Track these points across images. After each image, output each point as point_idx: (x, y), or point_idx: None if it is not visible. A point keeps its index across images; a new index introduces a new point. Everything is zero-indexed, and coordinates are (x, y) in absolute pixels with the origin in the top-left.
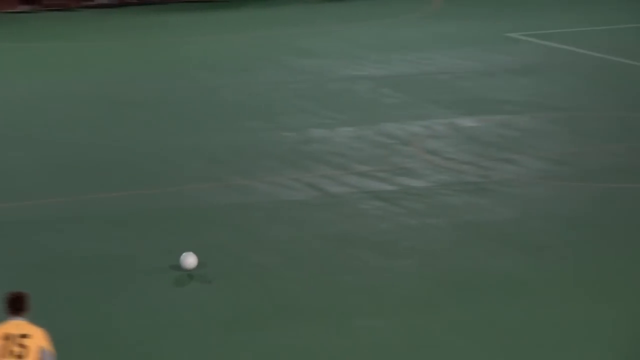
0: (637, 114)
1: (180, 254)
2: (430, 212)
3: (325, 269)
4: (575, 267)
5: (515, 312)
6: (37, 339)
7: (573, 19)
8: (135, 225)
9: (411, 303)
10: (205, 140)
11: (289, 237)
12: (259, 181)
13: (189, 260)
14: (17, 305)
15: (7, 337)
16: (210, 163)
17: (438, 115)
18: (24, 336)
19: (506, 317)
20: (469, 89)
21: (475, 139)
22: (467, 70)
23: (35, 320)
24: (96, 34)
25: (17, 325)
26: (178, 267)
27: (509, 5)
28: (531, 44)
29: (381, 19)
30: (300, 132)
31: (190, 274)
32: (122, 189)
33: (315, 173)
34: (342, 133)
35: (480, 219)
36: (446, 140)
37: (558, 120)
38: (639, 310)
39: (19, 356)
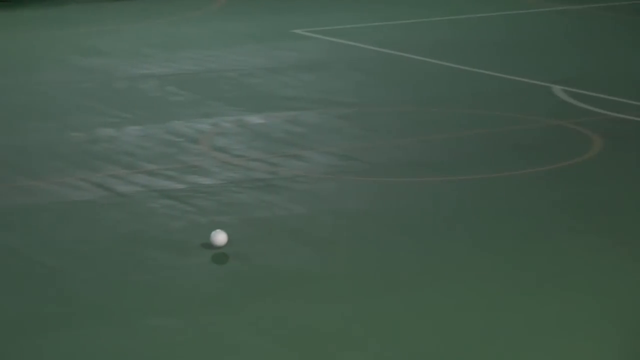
0: (424, 107)
1: None
2: (220, 209)
3: (117, 268)
4: (364, 261)
5: (309, 308)
6: None
7: (358, 15)
8: None
9: (204, 301)
10: None
11: (79, 237)
12: (47, 182)
13: (219, 237)
14: None
15: None
16: None
17: (225, 113)
18: None
19: (300, 313)
20: (255, 85)
21: (263, 135)
22: (254, 67)
23: None
24: None
25: None
26: None
27: (294, 2)
28: (317, 40)
29: (167, 17)
30: (87, 131)
31: None
32: None
33: (104, 173)
34: (130, 132)
35: (271, 216)
36: (234, 137)
37: (346, 116)
38: (428, 301)
39: None
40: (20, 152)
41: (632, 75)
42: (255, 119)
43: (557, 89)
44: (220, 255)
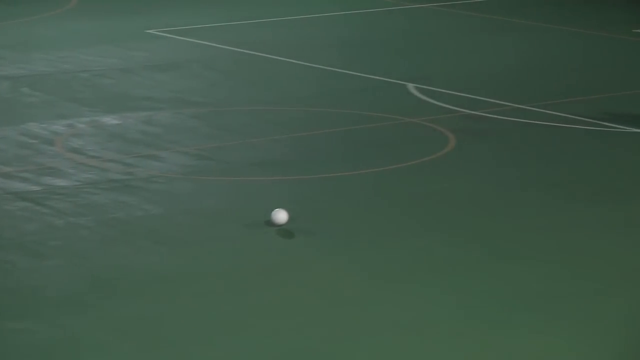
0: (278, 106)
1: None
2: (77, 211)
3: None
4: (220, 260)
5: (166, 307)
6: None
7: (211, 14)
8: None
9: (60, 302)
10: None
11: None
12: None
13: (280, 216)
14: None
15: None
16: None
17: (80, 114)
18: None
19: (158, 312)
20: (109, 86)
21: (118, 136)
22: (107, 67)
23: None
24: None
25: None
26: None
27: (148, 2)
28: (171, 39)
29: (19, 18)
30: None
31: None
32: None
33: None
34: None
35: (129, 217)
36: (89, 138)
37: (200, 116)
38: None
39: None
40: None
41: (483, 73)
42: (110, 120)
43: (412, 87)
44: (76, 257)
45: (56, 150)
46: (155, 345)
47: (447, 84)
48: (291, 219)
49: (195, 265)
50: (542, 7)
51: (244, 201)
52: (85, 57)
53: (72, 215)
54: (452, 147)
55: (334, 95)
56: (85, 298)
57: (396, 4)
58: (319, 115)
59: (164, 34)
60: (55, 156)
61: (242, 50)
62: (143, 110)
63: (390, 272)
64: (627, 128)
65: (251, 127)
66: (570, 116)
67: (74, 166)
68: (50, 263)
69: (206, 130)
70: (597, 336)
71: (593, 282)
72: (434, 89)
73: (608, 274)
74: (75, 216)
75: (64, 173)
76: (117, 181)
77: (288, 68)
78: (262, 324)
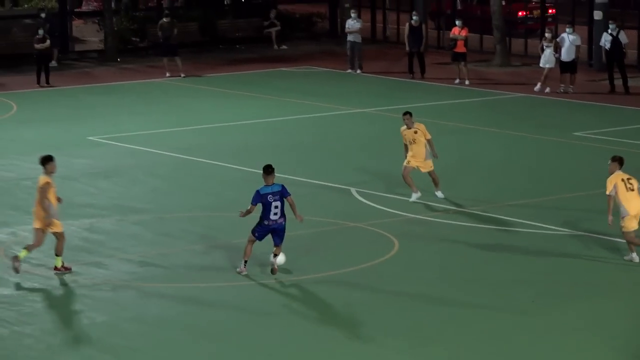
0: (217, 213)
1: None
2: (21, 320)
3: None
4: None
5: None
6: None
7: (152, 121)
8: None
9: None
10: None
11: None
12: None
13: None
14: None
15: None
16: None
17: (23, 222)
18: None
19: None
20: None
21: None
22: None
23: None
24: None
25: None
26: None
27: (87, 109)
28: (111, 146)
29: None
30: None
31: None
32: None
33: None
34: None
35: (73, 325)
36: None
37: (143, 222)
38: None
39: None
40: None
41: (425, 175)
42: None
43: (354, 191)
44: None
45: None
46: None
47: (389, 187)
48: (232, 325)
49: None
50: (482, 110)
51: (188, 307)
52: (27, 164)
53: (16, 324)
54: (395, 251)
55: None
56: None
57: (336, 109)
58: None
59: (105, 141)
60: None
61: (181, 156)
62: (86, 217)
63: None
64: (568, 230)
65: (193, 233)
66: (511, 219)
67: (18, 274)
68: None
69: (149, 237)
70: None
71: None
72: (376, 193)
73: None
74: (20, 325)
75: (7, 281)
76: (61, 289)
77: (228, 173)
78: None
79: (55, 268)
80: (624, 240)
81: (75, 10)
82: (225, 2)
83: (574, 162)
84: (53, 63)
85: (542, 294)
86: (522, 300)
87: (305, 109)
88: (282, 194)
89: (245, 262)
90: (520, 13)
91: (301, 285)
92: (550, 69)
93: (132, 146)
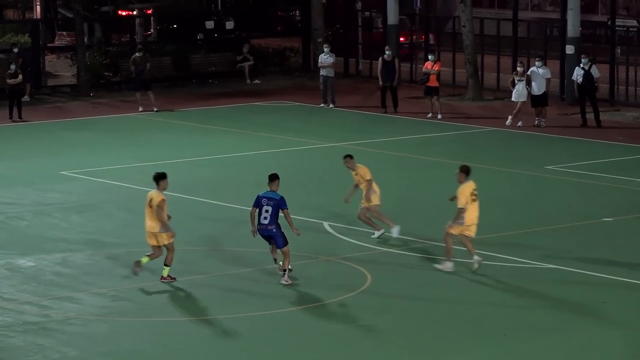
0: (191, 247)
1: None
2: None
3: None
4: None
5: None
6: None
7: (122, 155)
8: None
9: None
10: None
11: None
12: None
13: None
14: None
15: None
16: None
17: None
18: None
19: None
20: (24, 228)
21: (33, 278)
22: (22, 209)
23: None
24: None
25: None
26: None
27: (60, 144)
28: (84, 180)
29: None
30: None
31: None
32: None
33: None
34: None
35: (45, 359)
36: (4, 281)
37: (115, 257)
38: None
39: None
40: None
41: (398, 209)
42: (24, 262)
43: (327, 225)
44: None
45: None
46: None
47: (358, 221)
48: (205, 358)
49: None
50: (454, 144)
51: (161, 342)
52: None
53: None
54: (368, 284)
55: (249, 235)
56: None
57: (309, 143)
58: (233, 254)
59: (78, 175)
60: None
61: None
62: (58, 252)
63: None
64: (539, 264)
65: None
66: (483, 252)
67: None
68: None
69: (122, 271)
70: None
71: None
72: (349, 227)
73: None
74: None
75: None
76: (33, 324)
77: (201, 207)
78: None
79: (162, 278)
80: (465, 248)
81: (48, 44)
82: (198, 37)
83: (546, 196)
84: (26, 98)
85: (513, 327)
86: (494, 333)
87: (278, 143)
88: (279, 204)
89: (275, 259)
90: (401, 39)
91: (274, 318)
92: (523, 103)
93: (105, 180)
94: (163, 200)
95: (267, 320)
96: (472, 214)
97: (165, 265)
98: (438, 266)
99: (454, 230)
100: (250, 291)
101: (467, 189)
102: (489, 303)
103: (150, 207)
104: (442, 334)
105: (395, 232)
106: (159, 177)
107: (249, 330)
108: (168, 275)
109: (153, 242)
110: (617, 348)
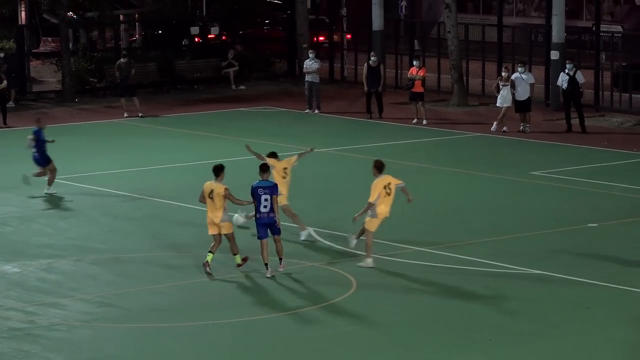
0: (175, 253)
1: None
2: None
3: None
4: None
5: None
6: None
7: (108, 161)
8: None
9: None
10: None
11: None
12: None
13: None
14: None
15: None
16: None
17: None
18: None
19: None
20: (8, 234)
21: (18, 284)
22: (6, 215)
23: None
24: None
25: None
26: None
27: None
28: (70, 186)
29: None
30: None
31: None
32: None
33: None
34: None
35: None
36: None
37: (100, 262)
38: None
39: None
40: None
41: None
42: (9, 268)
43: (312, 231)
44: None
45: None
46: None
47: (347, 227)
48: None
49: None
50: (439, 149)
51: (145, 347)
52: None
53: None
54: (353, 290)
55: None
56: None
57: (294, 149)
58: (217, 261)
59: (63, 181)
60: None
61: (139, 196)
62: (43, 258)
63: None
64: (525, 269)
65: (151, 273)
66: (469, 258)
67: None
68: None
69: (107, 277)
70: None
71: None
72: (334, 232)
73: None
74: None
75: None
76: (18, 330)
77: (186, 214)
78: None
79: (238, 265)
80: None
81: (33, 50)
82: (184, 43)
83: (531, 202)
84: (10, 103)
85: (499, 333)
86: (480, 339)
87: (263, 149)
88: (273, 190)
89: (266, 264)
90: (321, 38)
91: (258, 324)
92: (507, 108)
93: (90, 186)
94: (226, 189)
95: (252, 326)
96: (384, 208)
97: (234, 254)
98: (360, 264)
99: (371, 226)
100: (234, 297)
101: (379, 183)
102: (473, 308)
103: (211, 198)
104: (427, 340)
105: (304, 235)
106: (219, 169)
107: (233, 337)
108: (242, 260)
109: (214, 231)
110: (602, 353)
